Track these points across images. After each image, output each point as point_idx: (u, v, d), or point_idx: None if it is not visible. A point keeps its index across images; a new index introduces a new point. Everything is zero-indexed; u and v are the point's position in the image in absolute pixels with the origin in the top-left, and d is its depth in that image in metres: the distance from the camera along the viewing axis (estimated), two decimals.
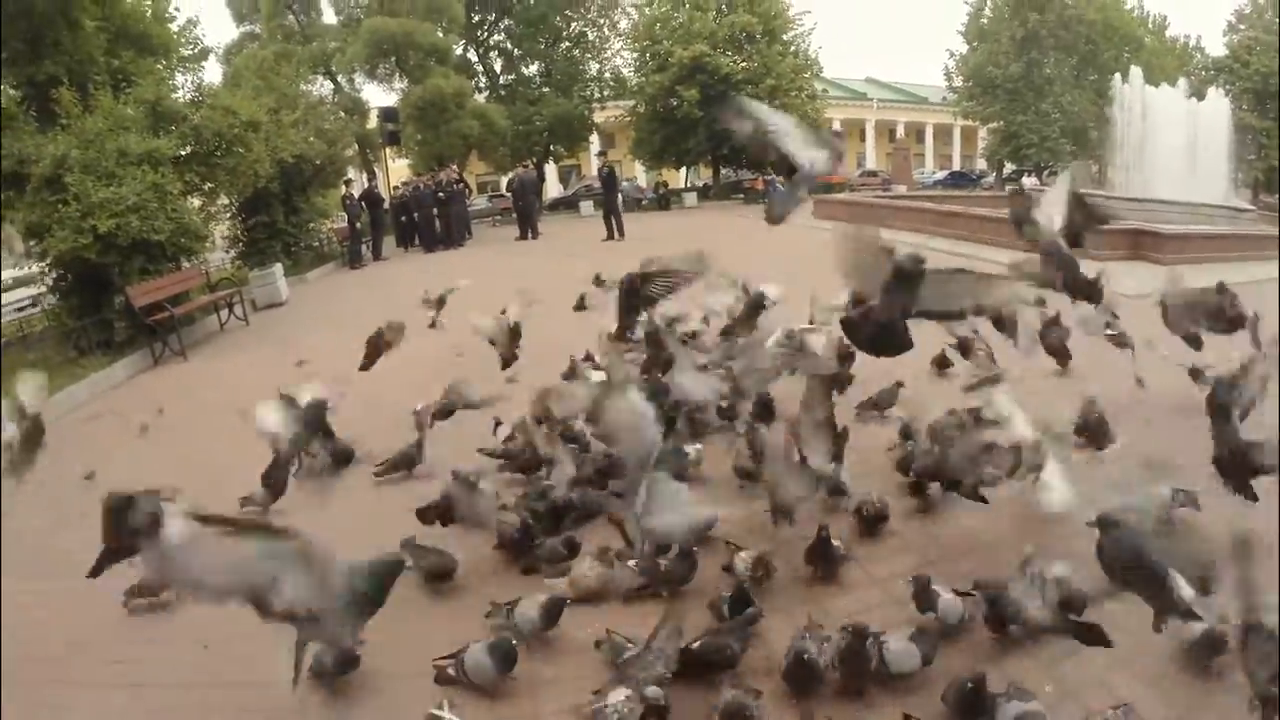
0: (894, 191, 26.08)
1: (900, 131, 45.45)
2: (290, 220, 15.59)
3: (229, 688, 2.79)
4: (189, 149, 10.81)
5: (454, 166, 22.28)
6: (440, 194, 19.40)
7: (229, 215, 14.91)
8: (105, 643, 3.17)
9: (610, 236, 17.38)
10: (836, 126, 42.63)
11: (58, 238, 8.42)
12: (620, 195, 19.04)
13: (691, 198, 30.88)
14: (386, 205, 20.15)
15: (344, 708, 2.66)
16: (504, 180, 30.26)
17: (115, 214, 8.44)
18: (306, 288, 14.38)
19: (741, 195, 30.70)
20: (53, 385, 7.00)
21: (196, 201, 11.48)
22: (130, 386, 7.97)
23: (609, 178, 18.76)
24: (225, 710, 2.70)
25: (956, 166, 45.87)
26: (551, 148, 32.34)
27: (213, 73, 21.49)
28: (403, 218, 20.00)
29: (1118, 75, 21.20)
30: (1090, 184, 21.11)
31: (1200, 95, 21.16)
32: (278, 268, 13.12)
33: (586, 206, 26.27)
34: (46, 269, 9.39)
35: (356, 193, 18.22)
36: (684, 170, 35.58)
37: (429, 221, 19.29)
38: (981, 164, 43.74)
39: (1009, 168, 37.38)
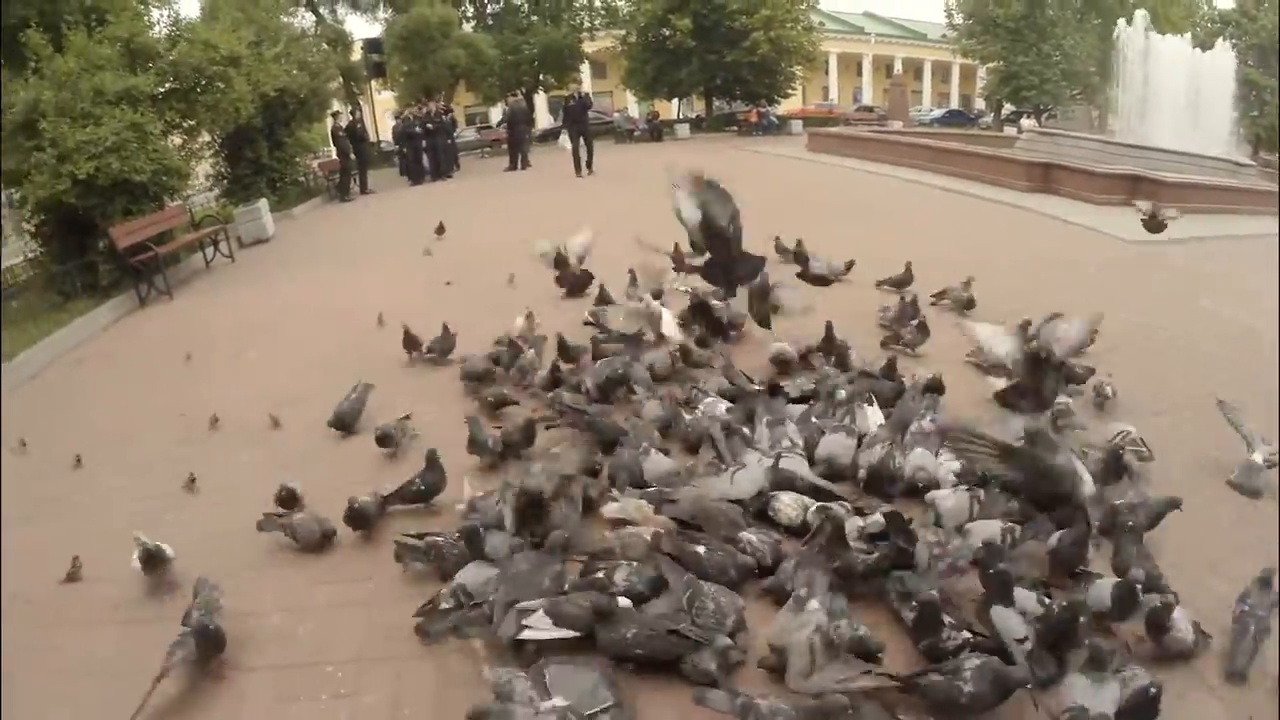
0: (890, 127, 25.85)
1: (898, 67, 44.56)
2: (274, 155, 15.50)
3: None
4: (168, 86, 10.60)
5: (440, 98, 21.86)
6: (428, 125, 19.19)
7: (211, 152, 14.81)
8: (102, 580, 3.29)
9: (584, 169, 17.01)
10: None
11: (36, 183, 8.35)
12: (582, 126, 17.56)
13: (684, 129, 30.52)
14: (373, 139, 19.89)
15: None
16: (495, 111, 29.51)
17: (94, 156, 8.36)
18: (292, 223, 14.39)
19: (735, 127, 30.37)
20: (39, 331, 7.20)
21: (178, 140, 11.32)
22: (117, 329, 8.07)
23: (578, 107, 17.60)
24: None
25: (954, 105, 45.23)
26: (541, 78, 31.55)
27: (190, 6, 20.89)
28: (403, 149, 19.86)
29: (1122, 20, 20.78)
30: (1089, 129, 21.03)
31: (1206, 46, 20.84)
32: (263, 203, 13.09)
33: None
34: (27, 215, 9.36)
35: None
36: (676, 101, 34.95)
37: (416, 154, 19.14)
38: (980, 103, 43.12)
39: (1007, 108, 36.88)
